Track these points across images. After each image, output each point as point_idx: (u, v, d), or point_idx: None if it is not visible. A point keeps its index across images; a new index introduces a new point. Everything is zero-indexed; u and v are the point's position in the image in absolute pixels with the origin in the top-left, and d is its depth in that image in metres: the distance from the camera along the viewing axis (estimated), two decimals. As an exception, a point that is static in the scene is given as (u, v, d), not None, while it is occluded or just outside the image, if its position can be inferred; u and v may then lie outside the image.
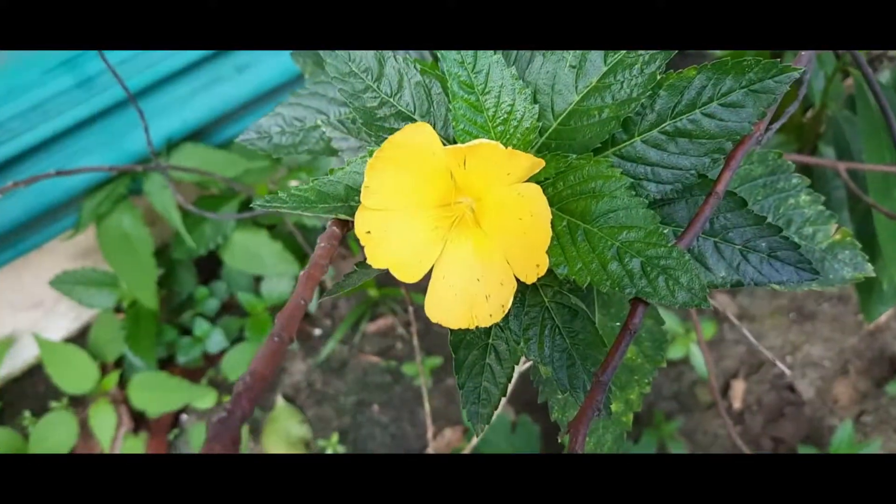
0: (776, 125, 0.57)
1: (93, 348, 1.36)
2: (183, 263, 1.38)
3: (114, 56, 1.04)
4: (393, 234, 0.42)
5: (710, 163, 0.43)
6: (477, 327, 0.48)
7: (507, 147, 0.38)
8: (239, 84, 1.18)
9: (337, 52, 0.47)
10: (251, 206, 0.42)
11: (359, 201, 0.41)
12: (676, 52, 0.42)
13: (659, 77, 0.42)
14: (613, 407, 0.55)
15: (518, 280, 0.41)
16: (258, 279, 1.43)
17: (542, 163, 0.39)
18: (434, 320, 0.42)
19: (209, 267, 1.45)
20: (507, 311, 0.40)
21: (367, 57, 0.46)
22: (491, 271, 0.41)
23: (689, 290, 0.39)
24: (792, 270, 0.45)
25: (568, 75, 0.44)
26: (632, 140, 0.44)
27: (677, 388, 1.47)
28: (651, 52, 0.42)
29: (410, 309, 1.07)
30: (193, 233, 1.27)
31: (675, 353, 1.40)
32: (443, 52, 0.44)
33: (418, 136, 0.39)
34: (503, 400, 0.50)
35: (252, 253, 1.31)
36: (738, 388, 1.47)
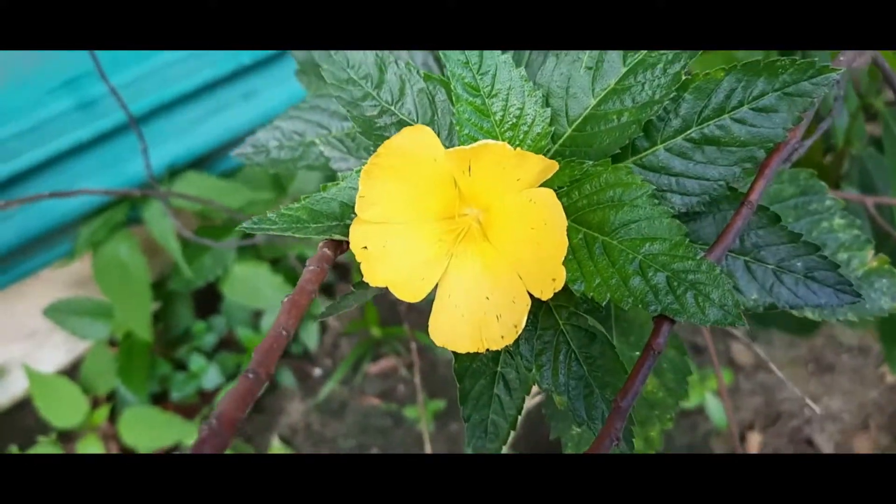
0: (809, 141, 0.53)
1: (84, 381, 1.31)
2: (180, 296, 1.34)
3: (118, 79, 1.02)
4: (392, 250, 0.38)
5: (740, 173, 0.39)
6: (485, 355, 0.44)
7: (515, 151, 0.34)
8: (245, 111, 1.15)
9: (334, 57, 0.43)
10: (244, 226, 0.38)
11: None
12: (700, 51, 0.39)
13: (683, 78, 0.39)
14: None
15: (531, 298, 0.37)
16: (258, 314, 1.39)
17: (555, 165, 0.35)
18: (439, 344, 0.38)
19: (207, 302, 1.41)
20: (520, 332, 0.36)
21: (366, 63, 0.43)
22: (501, 288, 0.37)
23: (721, 306, 0.35)
24: (831, 292, 0.41)
25: (584, 77, 0.40)
26: (654, 148, 0.40)
27: (690, 440, 1.41)
28: (674, 51, 0.39)
29: (413, 346, 1.02)
30: (192, 264, 1.24)
31: (688, 401, 1.34)
32: (446, 52, 0.40)
33: (418, 141, 0.36)
34: (511, 434, 0.46)
35: (252, 286, 1.27)
36: (754, 440, 1.40)
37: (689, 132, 0.40)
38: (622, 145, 0.39)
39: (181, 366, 1.37)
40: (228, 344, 1.42)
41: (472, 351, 0.37)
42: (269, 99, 1.16)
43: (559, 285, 0.35)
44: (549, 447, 0.49)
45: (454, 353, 0.42)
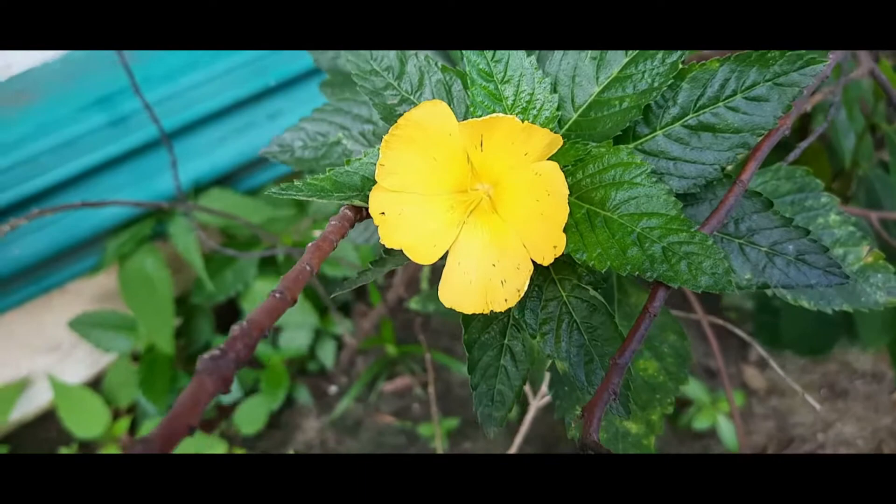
0: (806, 143, 0.56)
1: (106, 393, 1.34)
2: (202, 311, 1.38)
3: (147, 97, 1.07)
4: (407, 217, 0.41)
5: (734, 157, 0.42)
6: (493, 328, 0.46)
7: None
8: (270, 131, 1.19)
9: (359, 51, 0.47)
10: (272, 190, 0.41)
11: (375, 191, 0.40)
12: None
13: (681, 67, 0.42)
14: (634, 429, 0.53)
15: (535, 269, 0.39)
16: (276, 330, 1.42)
17: (559, 140, 0.38)
18: (448, 306, 0.40)
19: (227, 317, 1.45)
20: (522, 296, 0.39)
21: (388, 56, 0.47)
22: (507, 256, 0.40)
23: (712, 274, 0.37)
24: (820, 273, 0.44)
25: (588, 67, 0.44)
26: (653, 134, 0.43)
27: (703, 463, 1.41)
28: (674, 41, 0.42)
29: (428, 357, 1.05)
30: (214, 279, 1.27)
31: (700, 423, 1.34)
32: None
33: (434, 114, 0.39)
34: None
35: (272, 302, 1.30)
36: (768, 465, 1.40)
37: (686, 119, 0.43)
38: (623, 128, 0.42)
39: (200, 380, 1.39)
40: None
41: (477, 312, 0.40)
42: (293, 119, 1.19)
43: (560, 251, 0.38)
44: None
45: (463, 323, 0.45)
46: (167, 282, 1.22)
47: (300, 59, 1.19)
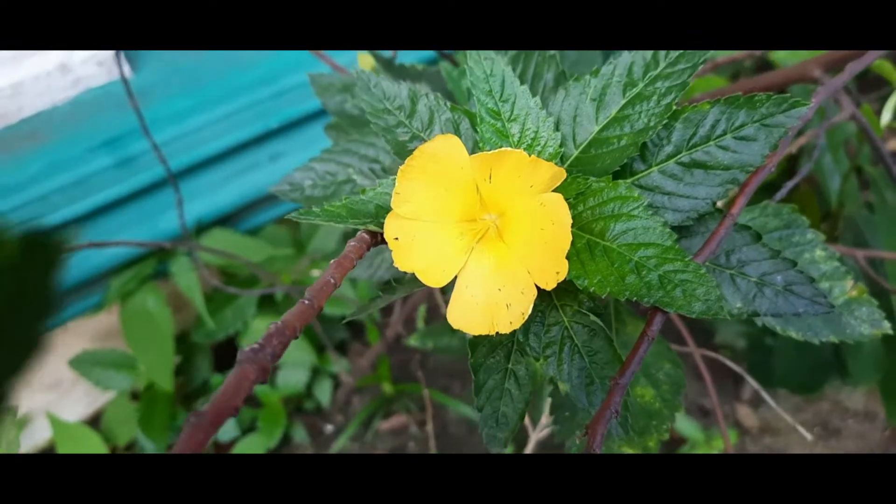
0: (791, 183, 0.59)
1: (105, 430, 1.35)
2: (201, 349, 1.39)
3: (153, 138, 1.10)
4: (420, 243, 0.43)
5: (724, 192, 0.45)
6: (498, 352, 0.49)
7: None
8: (271, 173, 1.23)
9: (372, 90, 0.50)
10: (293, 215, 0.43)
11: (388, 218, 0.43)
12: (689, 85, 0.45)
13: (674, 108, 0.45)
14: (630, 453, 0.54)
15: (539, 295, 0.42)
16: (274, 368, 1.43)
17: (563, 173, 0.41)
18: (456, 327, 0.43)
19: (227, 356, 1.46)
20: (526, 318, 0.41)
21: (401, 95, 0.50)
22: (512, 281, 0.42)
23: (704, 300, 0.40)
24: (807, 303, 0.46)
25: (589, 107, 0.47)
26: (649, 171, 0.46)
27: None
28: (668, 84, 0.45)
29: (426, 393, 1.06)
30: (214, 317, 1.29)
31: (695, 463, 1.36)
32: (473, 82, 0.47)
33: (448, 147, 0.42)
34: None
35: (271, 340, 1.31)
36: None
37: (679, 157, 0.46)
38: (621, 164, 0.45)
39: (198, 418, 1.40)
40: (244, 398, 1.46)
41: (483, 333, 0.42)
42: (294, 161, 1.23)
43: (562, 277, 0.40)
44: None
45: (470, 347, 0.48)
46: (168, 320, 1.24)
47: (301, 103, 1.23)
